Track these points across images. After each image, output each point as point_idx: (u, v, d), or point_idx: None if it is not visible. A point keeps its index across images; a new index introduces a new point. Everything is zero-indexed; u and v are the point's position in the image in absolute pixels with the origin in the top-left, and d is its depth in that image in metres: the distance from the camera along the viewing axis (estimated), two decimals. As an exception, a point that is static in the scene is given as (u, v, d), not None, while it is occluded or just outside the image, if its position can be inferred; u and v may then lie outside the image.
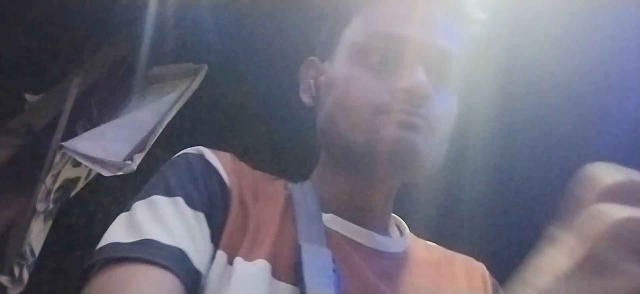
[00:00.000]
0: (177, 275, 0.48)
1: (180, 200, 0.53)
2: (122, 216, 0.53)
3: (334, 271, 0.53)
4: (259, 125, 3.18)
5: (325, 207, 0.62)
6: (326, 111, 0.63)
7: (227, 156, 0.62)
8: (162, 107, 2.38)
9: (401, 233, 0.68)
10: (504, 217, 3.03)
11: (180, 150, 0.61)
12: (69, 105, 2.08)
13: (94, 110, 2.38)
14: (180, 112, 2.45)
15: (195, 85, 2.50)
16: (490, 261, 0.71)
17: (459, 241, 0.83)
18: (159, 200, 0.53)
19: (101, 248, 0.50)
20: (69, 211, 2.49)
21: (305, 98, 0.68)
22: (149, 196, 0.54)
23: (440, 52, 0.59)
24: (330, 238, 0.58)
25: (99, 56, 2.47)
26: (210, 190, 0.56)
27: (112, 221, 0.54)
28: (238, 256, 0.52)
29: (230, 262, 0.52)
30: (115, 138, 2.14)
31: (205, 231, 0.53)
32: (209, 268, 0.51)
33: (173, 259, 0.48)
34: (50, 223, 2.12)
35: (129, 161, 2.04)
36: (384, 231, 0.64)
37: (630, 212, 0.25)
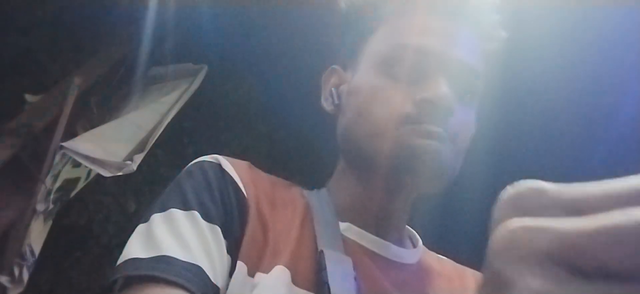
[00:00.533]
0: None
1: (196, 213, 0.53)
2: (141, 229, 0.53)
3: (355, 279, 0.53)
4: (259, 125, 3.17)
5: (342, 216, 0.62)
6: (348, 119, 0.63)
7: (244, 165, 0.62)
8: (162, 107, 2.38)
9: (414, 244, 0.69)
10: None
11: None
12: (69, 105, 2.08)
13: (94, 110, 2.38)
14: (180, 112, 2.45)
15: (195, 85, 2.50)
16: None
17: (458, 248, 0.83)
18: (176, 214, 0.53)
19: (120, 264, 0.50)
20: (69, 211, 2.48)
21: (327, 106, 0.68)
22: (166, 209, 0.54)
23: (462, 66, 0.60)
24: (347, 247, 0.58)
25: (99, 56, 2.47)
26: (226, 201, 0.56)
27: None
28: (259, 271, 0.52)
29: (251, 274, 0.52)
30: (115, 138, 2.14)
31: (221, 243, 0.53)
32: (228, 280, 0.51)
33: (191, 278, 0.48)
34: (50, 223, 2.12)
35: (129, 162, 2.04)
36: (399, 242, 0.65)
37: (521, 222, 0.22)
